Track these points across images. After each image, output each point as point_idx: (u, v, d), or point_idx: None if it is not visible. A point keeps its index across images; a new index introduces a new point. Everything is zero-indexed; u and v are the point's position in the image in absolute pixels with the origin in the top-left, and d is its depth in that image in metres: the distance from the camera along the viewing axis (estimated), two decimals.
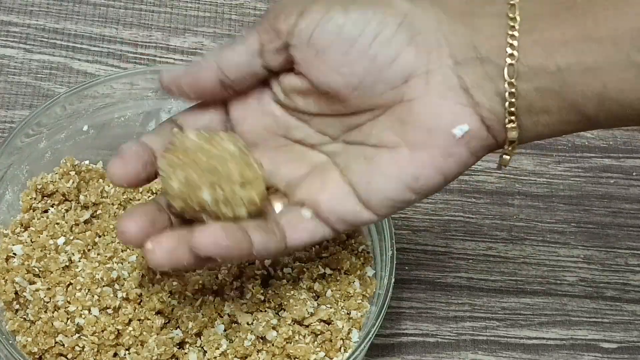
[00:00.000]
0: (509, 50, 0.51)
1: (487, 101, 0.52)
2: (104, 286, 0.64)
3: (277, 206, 0.57)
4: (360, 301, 0.66)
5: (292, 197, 0.57)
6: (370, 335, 0.63)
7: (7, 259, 0.65)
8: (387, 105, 0.53)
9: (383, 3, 0.52)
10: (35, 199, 0.68)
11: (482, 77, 0.52)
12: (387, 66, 0.52)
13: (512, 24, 0.51)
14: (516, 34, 0.51)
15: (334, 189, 0.56)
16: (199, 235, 0.52)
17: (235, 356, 0.63)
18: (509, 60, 0.51)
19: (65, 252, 0.66)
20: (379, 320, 0.63)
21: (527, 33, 0.51)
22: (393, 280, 0.65)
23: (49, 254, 0.65)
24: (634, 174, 0.85)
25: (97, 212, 0.69)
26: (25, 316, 0.64)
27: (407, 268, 0.77)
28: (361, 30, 0.52)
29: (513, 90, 0.51)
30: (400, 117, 0.53)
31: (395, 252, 0.66)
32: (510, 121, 0.52)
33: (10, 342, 0.60)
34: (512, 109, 0.52)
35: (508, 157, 0.54)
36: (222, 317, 0.64)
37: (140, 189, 0.71)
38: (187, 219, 0.55)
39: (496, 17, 0.52)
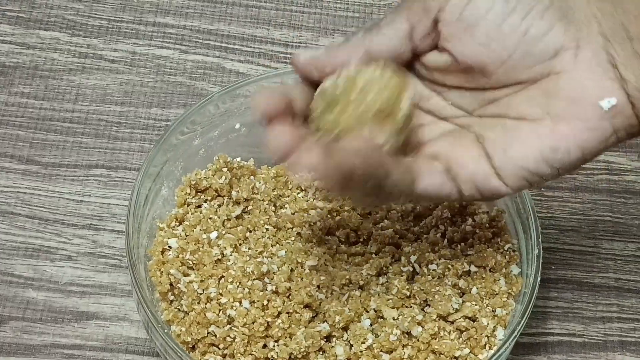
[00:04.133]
0: None
1: (635, 78, 0.51)
2: (254, 279, 0.65)
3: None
4: (505, 299, 0.66)
5: (424, 150, 0.56)
6: (515, 333, 0.63)
7: (162, 252, 0.67)
8: (533, 79, 0.53)
9: None
10: (189, 194, 0.70)
11: (631, 55, 0.51)
12: (538, 40, 0.52)
13: None
14: None
15: (467, 149, 0.55)
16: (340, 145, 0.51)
17: (381, 351, 0.64)
18: None
19: (218, 246, 0.67)
20: (524, 318, 0.63)
21: None
22: (539, 278, 0.65)
23: (202, 247, 0.67)
24: None
25: (248, 208, 0.71)
26: (179, 307, 0.66)
27: (553, 267, 0.76)
28: (514, 6, 0.52)
29: None
30: (545, 89, 0.53)
31: (541, 250, 0.66)
32: None
33: (166, 331, 0.62)
34: None
35: None
36: (368, 311, 0.65)
37: (290, 186, 0.72)
38: None
39: None
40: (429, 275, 0.67)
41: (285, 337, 0.64)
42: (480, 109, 0.56)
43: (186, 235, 0.68)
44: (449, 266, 0.67)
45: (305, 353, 0.63)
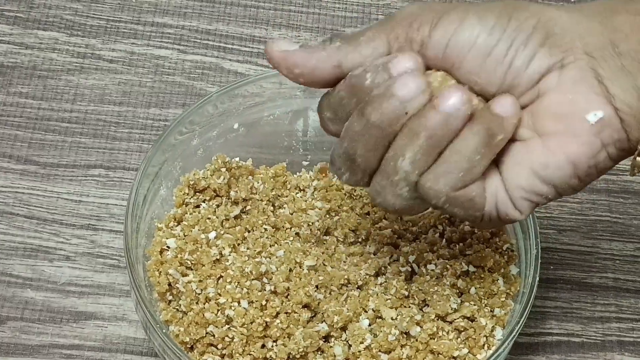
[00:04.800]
0: None
1: (622, 93, 0.51)
2: (252, 279, 0.65)
3: None
4: (504, 299, 0.66)
5: None
6: (514, 334, 0.63)
7: (161, 252, 0.67)
8: (521, 106, 0.53)
9: (517, 7, 0.52)
10: (187, 194, 0.70)
11: (618, 70, 0.51)
12: (523, 70, 0.52)
13: None
14: None
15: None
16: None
17: (380, 350, 0.64)
18: None
19: (216, 246, 0.67)
20: (523, 318, 0.63)
21: None
22: (537, 279, 0.65)
23: (201, 247, 0.67)
24: None
25: (247, 208, 0.70)
26: (177, 307, 0.66)
27: (552, 267, 0.76)
28: (497, 39, 0.51)
29: None
30: (532, 111, 0.53)
31: (540, 250, 0.66)
32: None
33: (164, 331, 0.62)
34: None
35: None
36: (366, 311, 0.65)
37: (288, 186, 0.72)
38: None
39: (637, 14, 0.51)
40: (427, 275, 0.66)
41: (284, 337, 0.64)
42: None
43: (184, 236, 0.68)
44: (448, 266, 0.67)
45: (303, 353, 0.63)
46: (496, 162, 0.54)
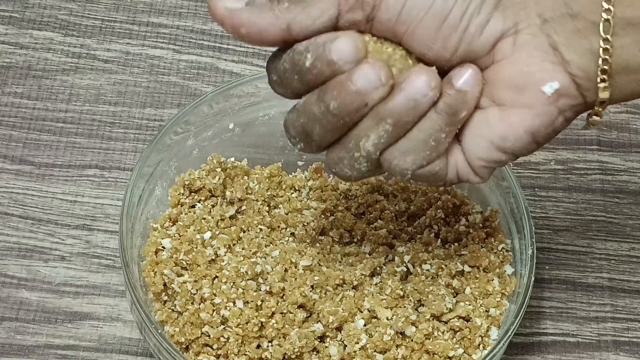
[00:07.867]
0: (605, 5, 0.50)
1: (578, 58, 0.51)
2: (248, 280, 0.65)
3: None
4: (499, 299, 0.66)
5: None
6: (509, 333, 0.63)
7: (156, 252, 0.67)
8: None
9: None
10: (183, 194, 0.70)
11: (572, 33, 0.51)
12: (478, 35, 0.52)
13: None
14: None
15: None
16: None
17: (375, 351, 0.64)
18: (604, 16, 0.50)
19: (212, 247, 0.67)
20: (518, 318, 0.63)
21: None
22: (533, 279, 0.65)
23: (196, 247, 0.67)
24: None
25: (242, 208, 0.70)
26: (173, 307, 0.66)
27: (547, 267, 0.76)
28: (452, 4, 0.51)
29: (608, 46, 0.50)
30: (489, 79, 0.53)
31: (535, 250, 0.66)
32: (603, 80, 0.51)
33: (159, 331, 0.62)
34: (605, 67, 0.51)
35: (598, 118, 0.53)
36: (362, 312, 0.65)
37: (284, 186, 0.72)
38: None
39: None
40: (422, 275, 0.67)
41: (279, 338, 0.64)
42: None
43: (180, 236, 0.68)
44: (443, 266, 0.67)
45: (299, 353, 0.63)
46: (456, 134, 0.54)
